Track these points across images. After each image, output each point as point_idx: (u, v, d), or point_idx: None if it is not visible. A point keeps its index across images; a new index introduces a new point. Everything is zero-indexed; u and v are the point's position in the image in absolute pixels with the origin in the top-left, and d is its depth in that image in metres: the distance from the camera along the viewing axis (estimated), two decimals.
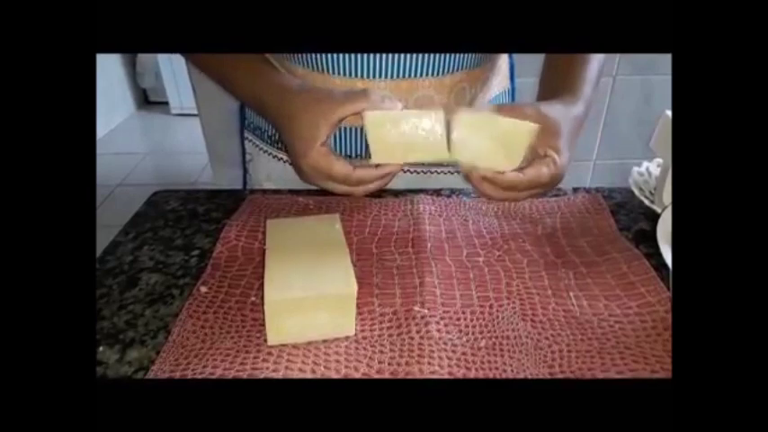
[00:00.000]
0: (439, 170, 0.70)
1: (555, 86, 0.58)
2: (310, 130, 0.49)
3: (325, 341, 0.42)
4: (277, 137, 0.69)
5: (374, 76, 0.60)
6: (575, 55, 0.59)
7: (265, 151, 0.72)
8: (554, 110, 0.52)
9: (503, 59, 0.72)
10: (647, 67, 1.58)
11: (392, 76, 0.60)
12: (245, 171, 0.77)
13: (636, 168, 0.65)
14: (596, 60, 0.60)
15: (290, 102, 0.52)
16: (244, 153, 0.76)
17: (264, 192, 0.66)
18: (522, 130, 0.48)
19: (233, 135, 1.70)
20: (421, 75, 0.60)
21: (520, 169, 0.49)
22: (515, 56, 0.76)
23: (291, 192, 0.65)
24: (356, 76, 0.60)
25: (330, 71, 0.60)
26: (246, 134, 0.75)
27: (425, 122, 0.48)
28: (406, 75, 0.60)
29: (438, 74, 0.61)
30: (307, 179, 0.53)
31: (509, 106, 0.53)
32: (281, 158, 0.70)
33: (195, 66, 0.62)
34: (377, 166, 0.52)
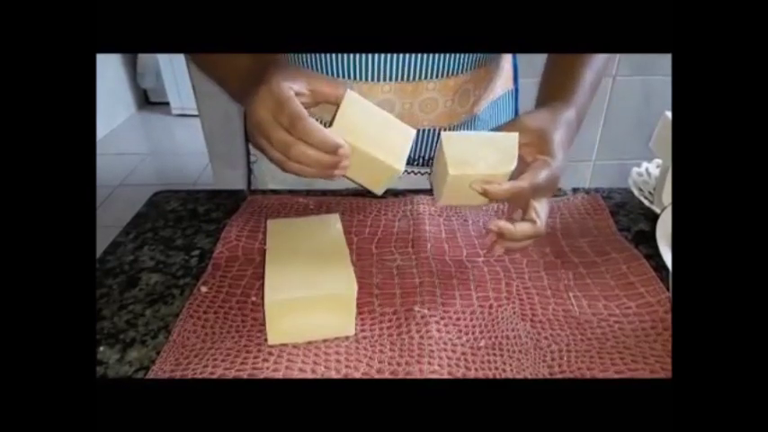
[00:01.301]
0: None
1: (547, 95, 0.58)
2: (285, 71, 0.48)
3: (325, 341, 0.42)
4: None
5: (378, 79, 0.60)
6: (574, 60, 0.59)
7: None
8: (539, 119, 0.52)
9: (506, 60, 0.72)
10: (647, 67, 1.58)
11: (396, 79, 0.60)
12: (250, 172, 0.77)
13: (635, 169, 0.65)
14: (594, 66, 0.59)
15: (278, 58, 0.51)
16: (248, 154, 0.76)
17: (264, 192, 0.66)
18: (510, 137, 0.48)
19: (233, 135, 1.71)
20: (425, 77, 0.60)
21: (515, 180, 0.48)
22: (519, 57, 0.76)
23: (291, 192, 0.65)
24: (361, 79, 0.60)
25: (334, 74, 0.60)
26: None
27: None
28: (411, 77, 0.60)
29: (442, 76, 0.61)
30: (252, 117, 0.48)
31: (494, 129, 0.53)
32: None
33: (194, 61, 0.62)
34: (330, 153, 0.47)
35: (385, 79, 0.60)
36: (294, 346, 0.42)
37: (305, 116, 0.45)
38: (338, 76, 0.60)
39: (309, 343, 0.42)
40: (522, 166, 0.48)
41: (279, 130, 0.46)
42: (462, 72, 0.62)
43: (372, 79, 0.60)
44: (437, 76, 0.61)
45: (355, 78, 0.60)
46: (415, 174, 0.69)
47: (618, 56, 1.57)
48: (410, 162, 0.68)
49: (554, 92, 0.57)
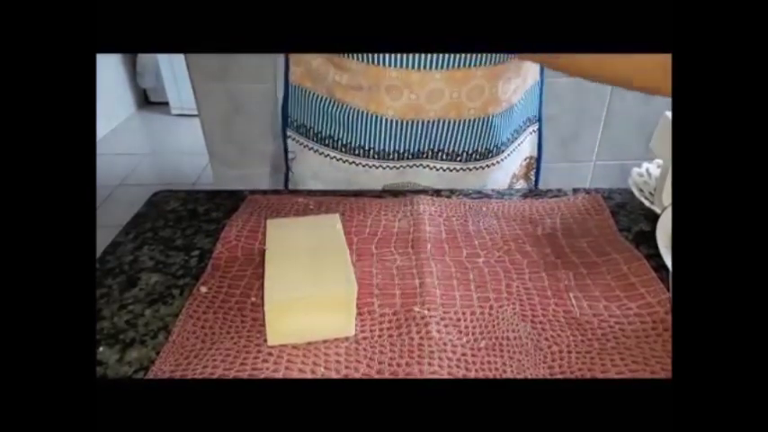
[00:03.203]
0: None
1: None
2: None
3: (325, 341, 0.42)
4: (323, 134, 0.69)
5: (429, 67, 0.60)
6: None
7: (310, 148, 0.72)
8: None
9: None
10: None
11: (447, 67, 0.60)
12: (288, 169, 0.77)
13: (636, 169, 0.65)
14: None
15: None
16: (286, 151, 0.76)
17: (264, 192, 0.66)
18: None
19: (233, 136, 1.71)
20: (474, 64, 0.61)
21: None
22: None
23: (291, 192, 0.65)
24: (412, 67, 0.60)
25: (385, 63, 0.60)
26: (289, 132, 0.75)
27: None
28: (461, 64, 0.60)
29: (489, 63, 0.61)
30: None
31: None
32: (327, 155, 0.70)
33: None
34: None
35: (436, 67, 0.60)
36: (294, 347, 0.42)
37: None
38: (390, 65, 0.60)
39: (309, 343, 0.42)
40: None
41: None
42: (506, 60, 0.62)
43: (423, 67, 0.60)
44: (485, 63, 0.61)
45: (407, 67, 0.60)
46: (457, 171, 0.69)
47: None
48: (452, 158, 0.68)
49: None
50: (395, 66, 0.60)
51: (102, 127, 3.00)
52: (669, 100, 0.36)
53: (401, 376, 0.39)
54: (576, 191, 0.65)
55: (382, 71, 0.61)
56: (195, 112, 1.77)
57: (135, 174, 2.64)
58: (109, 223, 1.10)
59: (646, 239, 0.55)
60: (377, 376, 0.39)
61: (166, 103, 3.20)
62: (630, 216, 0.60)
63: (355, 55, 0.61)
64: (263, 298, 0.41)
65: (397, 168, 0.69)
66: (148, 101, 3.40)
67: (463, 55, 0.60)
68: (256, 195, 0.64)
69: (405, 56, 0.60)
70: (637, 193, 0.61)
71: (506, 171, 0.74)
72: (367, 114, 0.65)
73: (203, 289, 0.48)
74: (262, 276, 0.44)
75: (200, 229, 0.59)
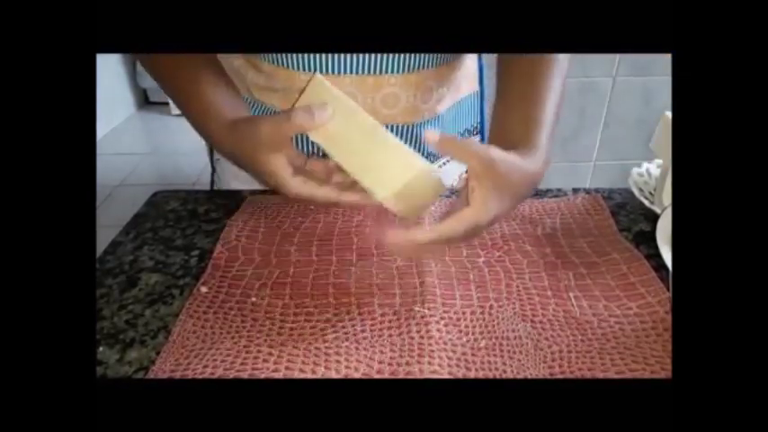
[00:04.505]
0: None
1: (511, 123, 0.52)
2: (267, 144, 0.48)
3: (325, 341, 0.42)
4: None
5: (339, 72, 0.59)
6: (533, 71, 0.52)
7: None
8: (509, 165, 0.43)
9: (471, 60, 0.71)
10: (647, 67, 1.58)
11: (357, 72, 0.59)
12: (213, 170, 0.76)
13: (636, 169, 0.65)
14: (559, 76, 0.52)
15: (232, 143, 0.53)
16: (211, 153, 0.75)
17: (264, 192, 0.66)
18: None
19: None
20: (386, 71, 0.59)
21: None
22: (485, 59, 0.74)
23: None
24: (321, 71, 0.59)
25: (294, 67, 0.59)
26: None
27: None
28: (372, 71, 0.59)
29: (404, 71, 0.60)
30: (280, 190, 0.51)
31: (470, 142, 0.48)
32: None
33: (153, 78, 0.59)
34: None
35: (346, 71, 0.59)
36: (294, 347, 0.42)
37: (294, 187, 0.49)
38: (299, 69, 0.59)
39: (309, 343, 0.42)
40: (463, 197, 0.44)
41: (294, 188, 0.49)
42: (424, 68, 0.61)
43: (333, 71, 0.59)
44: (399, 71, 0.60)
45: (316, 71, 0.59)
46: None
47: (618, 56, 1.57)
48: None
49: (517, 118, 0.52)
50: (303, 69, 0.59)
51: (102, 127, 3.00)
52: (669, 100, 0.36)
53: (401, 376, 0.39)
54: (575, 191, 0.65)
55: (293, 74, 0.60)
56: None
57: (135, 174, 2.64)
58: (109, 223, 1.10)
59: (646, 239, 0.55)
60: (377, 376, 0.39)
61: (166, 103, 3.19)
62: (630, 216, 0.60)
63: (267, 57, 0.60)
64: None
65: None
66: (148, 101, 3.40)
67: (373, 61, 0.58)
68: (256, 196, 0.64)
69: (312, 60, 0.58)
70: (637, 193, 0.61)
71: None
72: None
73: (203, 289, 0.48)
74: (261, 277, 0.44)
75: (200, 229, 0.59)
